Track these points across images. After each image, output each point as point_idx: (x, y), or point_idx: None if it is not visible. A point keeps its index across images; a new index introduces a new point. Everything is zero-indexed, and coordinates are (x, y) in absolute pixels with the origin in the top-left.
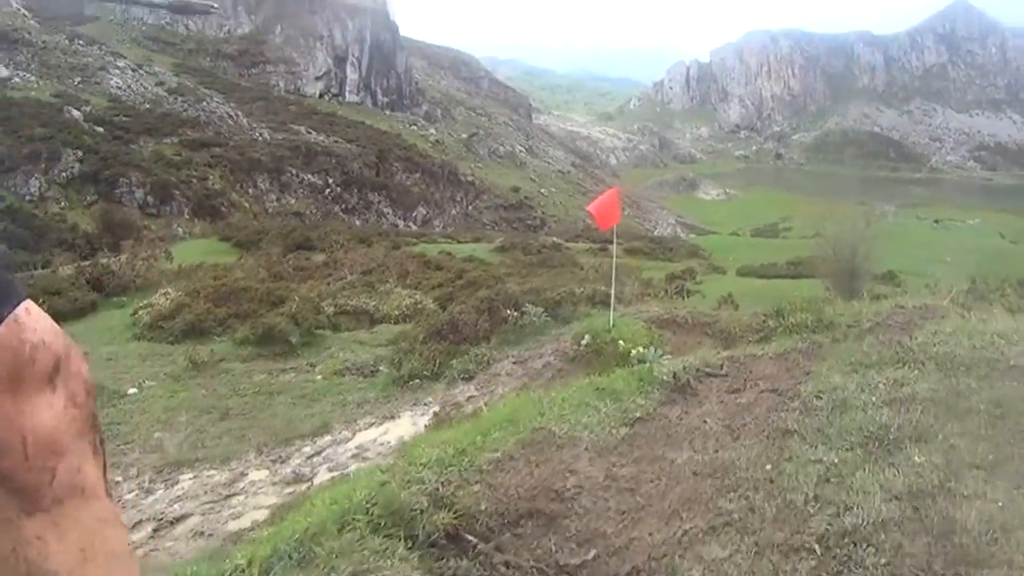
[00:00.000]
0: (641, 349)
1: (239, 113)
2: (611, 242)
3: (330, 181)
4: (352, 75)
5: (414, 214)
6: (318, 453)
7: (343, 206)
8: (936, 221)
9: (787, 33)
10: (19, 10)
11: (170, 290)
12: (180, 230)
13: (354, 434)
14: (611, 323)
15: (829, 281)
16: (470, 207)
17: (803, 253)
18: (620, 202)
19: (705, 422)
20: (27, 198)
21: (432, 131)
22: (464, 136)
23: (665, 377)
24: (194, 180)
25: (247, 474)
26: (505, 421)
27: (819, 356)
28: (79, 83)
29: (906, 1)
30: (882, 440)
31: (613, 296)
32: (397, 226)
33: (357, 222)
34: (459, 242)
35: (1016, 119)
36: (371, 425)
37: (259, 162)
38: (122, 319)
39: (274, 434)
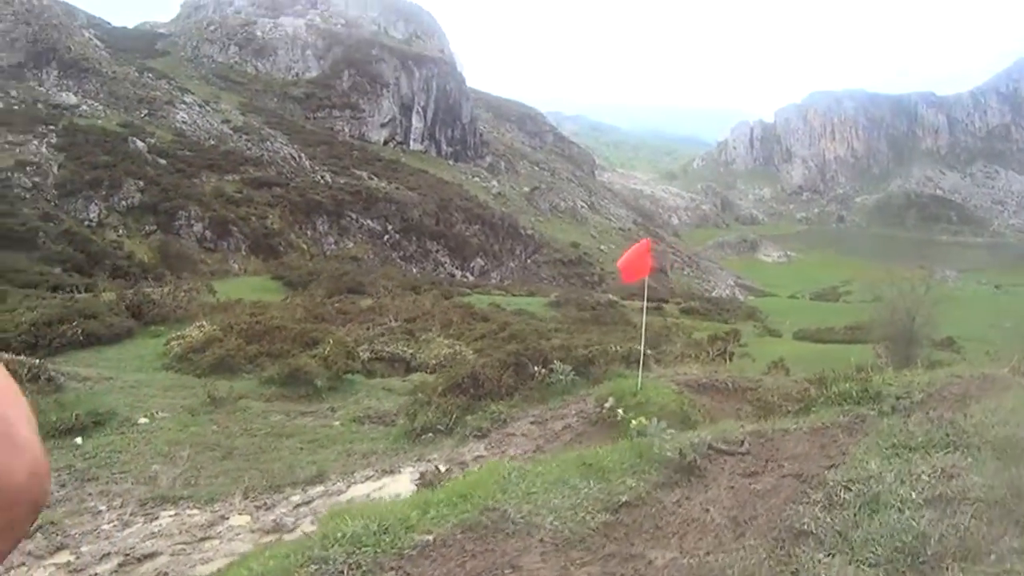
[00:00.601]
0: (643, 420)
1: (302, 155)
2: (666, 301)
3: (389, 227)
4: (417, 123)
5: (472, 264)
6: (307, 503)
7: (401, 253)
8: (997, 286)
9: (851, 94)
10: (91, 40)
11: (205, 323)
12: (236, 266)
13: (348, 486)
14: (639, 385)
15: (886, 346)
16: (528, 260)
17: (862, 317)
18: (651, 255)
19: (707, 511)
20: (85, 223)
21: (495, 183)
22: (526, 189)
23: (669, 454)
24: (253, 218)
25: (228, 518)
26: (457, 495)
27: (860, 432)
28: (145, 115)
29: (970, 61)
30: (917, 555)
31: (642, 356)
32: (454, 276)
33: (414, 270)
34: (513, 295)
35: None
36: (368, 479)
37: (319, 204)
38: (155, 348)
39: (271, 478)
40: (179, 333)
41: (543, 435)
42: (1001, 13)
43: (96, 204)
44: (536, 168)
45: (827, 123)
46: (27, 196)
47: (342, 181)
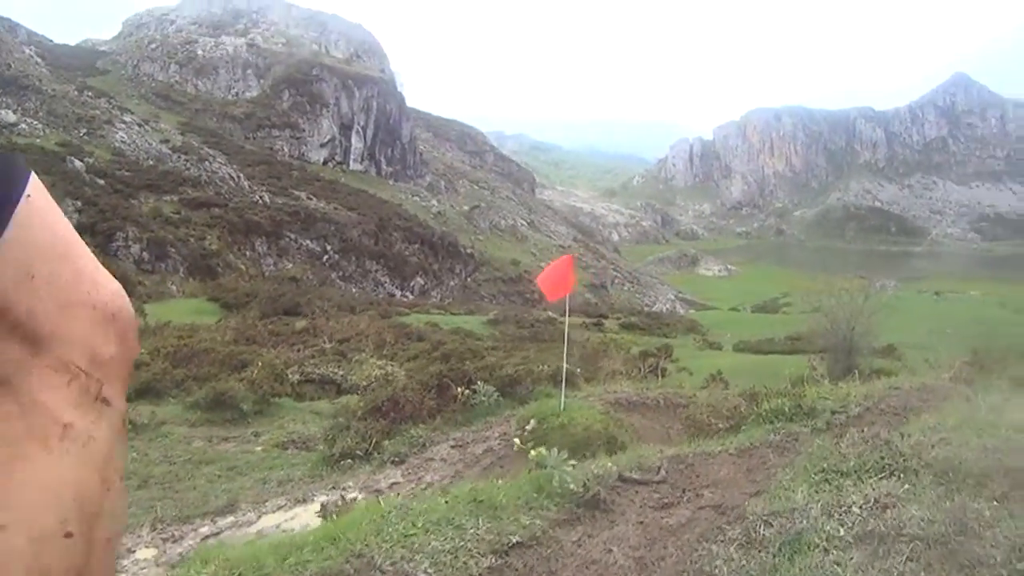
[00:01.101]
0: (542, 451)
1: (241, 175)
2: (606, 317)
3: (328, 248)
4: (357, 143)
5: (412, 284)
6: (215, 534)
7: (340, 273)
8: (937, 293)
9: (790, 111)
10: (32, 56)
11: None
12: (174, 288)
13: (259, 516)
14: (561, 406)
15: (825, 357)
16: (468, 279)
17: (803, 328)
18: (573, 271)
19: (610, 551)
20: None
21: (434, 202)
22: (466, 208)
23: (572, 487)
24: (192, 239)
25: (135, 551)
26: (327, 538)
27: (792, 452)
28: (84, 134)
29: (907, 76)
30: None
31: (564, 376)
32: (394, 295)
33: (354, 290)
34: (452, 314)
35: (1016, 189)
36: (280, 508)
37: (258, 225)
38: None
39: (183, 508)
40: None
41: (463, 459)
42: (943, 27)
43: None
44: (476, 187)
45: (765, 139)
46: None
47: (280, 201)
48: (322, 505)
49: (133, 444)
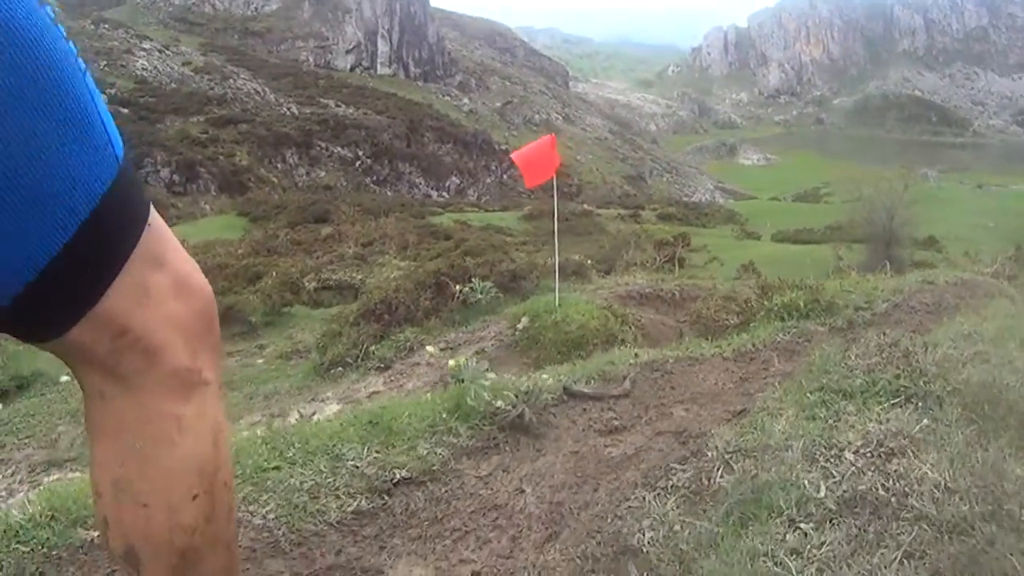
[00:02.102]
0: (460, 360)
1: (266, 89)
2: (642, 208)
3: (360, 153)
4: (383, 48)
5: (447, 184)
6: None
7: (374, 178)
8: (979, 186)
9: None
10: None
11: None
12: (207, 207)
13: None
14: (556, 302)
15: (865, 247)
16: (505, 176)
17: (843, 217)
18: (555, 152)
19: (522, 493)
20: None
21: (466, 101)
22: (498, 105)
23: (500, 404)
24: (221, 157)
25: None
26: None
27: (802, 356)
28: (104, 66)
29: None
30: None
31: (556, 269)
32: (430, 196)
33: (388, 193)
34: (487, 211)
35: None
36: (253, 425)
37: (287, 137)
38: None
39: None
40: None
41: None
42: None
43: None
44: (508, 83)
45: (801, 26)
46: None
47: (308, 111)
48: (268, 424)
49: None
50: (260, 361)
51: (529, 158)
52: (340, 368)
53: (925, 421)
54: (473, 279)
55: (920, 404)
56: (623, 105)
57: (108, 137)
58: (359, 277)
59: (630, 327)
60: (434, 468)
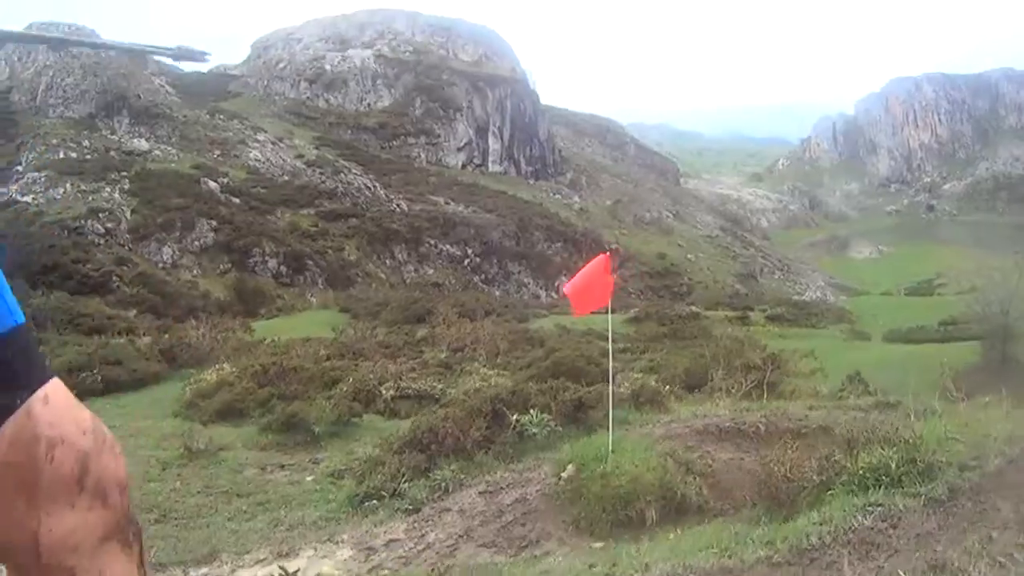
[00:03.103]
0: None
1: (377, 184)
2: (751, 309)
3: (469, 251)
4: (494, 145)
5: (556, 283)
6: None
7: (482, 276)
8: None
9: (929, 78)
10: (162, 87)
11: (226, 365)
12: (313, 299)
13: (233, 571)
14: (609, 447)
15: (982, 345)
16: (614, 275)
17: (958, 311)
18: (608, 275)
19: None
20: (159, 265)
21: (576, 199)
22: (609, 203)
23: None
24: (329, 251)
25: None
26: None
27: (885, 553)
28: (218, 156)
29: None
30: None
31: (611, 405)
32: (538, 296)
33: (496, 292)
34: (593, 313)
35: None
36: (259, 562)
37: (396, 233)
38: (175, 393)
39: (178, 551)
40: (196, 377)
41: (486, 511)
42: None
43: (170, 246)
44: (619, 181)
45: (908, 110)
46: (101, 242)
47: (418, 208)
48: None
49: (182, 472)
50: (310, 479)
51: (581, 285)
52: (375, 501)
53: None
54: (531, 409)
55: None
56: (734, 200)
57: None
58: (440, 387)
59: (695, 477)
60: None
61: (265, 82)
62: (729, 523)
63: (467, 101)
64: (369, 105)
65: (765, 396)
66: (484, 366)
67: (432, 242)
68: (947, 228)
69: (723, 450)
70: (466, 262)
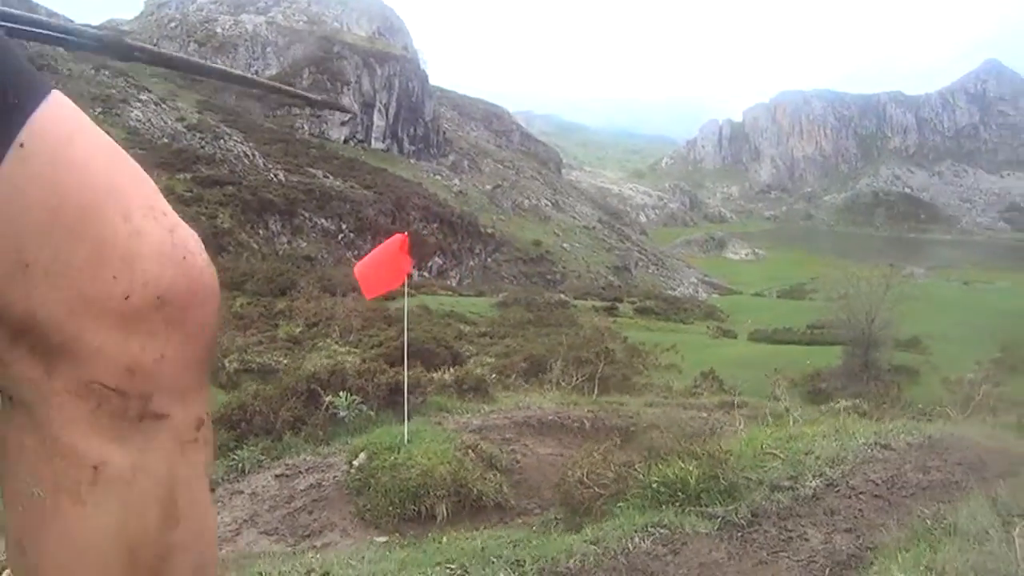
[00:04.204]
0: None
1: (256, 153)
2: (620, 301)
3: (343, 226)
4: (379, 121)
5: (429, 264)
6: None
7: (356, 252)
8: (965, 283)
9: (819, 94)
10: None
11: None
12: None
13: None
14: (406, 436)
15: (844, 350)
16: (489, 259)
17: (826, 315)
18: (405, 256)
19: None
20: None
21: (456, 182)
22: (489, 188)
23: None
24: (203, 217)
25: None
26: None
27: None
28: (99, 113)
29: (937, 59)
30: None
31: (406, 394)
32: (411, 275)
33: None
34: (461, 295)
35: None
36: None
37: (272, 203)
38: None
39: None
40: None
41: (276, 496)
42: (968, 7)
43: None
44: (501, 166)
45: (795, 122)
46: None
47: (296, 179)
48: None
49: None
50: None
51: (372, 266)
52: None
53: None
54: (341, 392)
55: None
56: (615, 195)
57: None
58: (285, 362)
59: (496, 473)
60: None
61: (155, 40)
62: (523, 527)
63: (355, 76)
64: (257, 72)
65: (596, 391)
66: (336, 343)
67: (307, 215)
68: (824, 237)
69: (543, 444)
70: (340, 237)
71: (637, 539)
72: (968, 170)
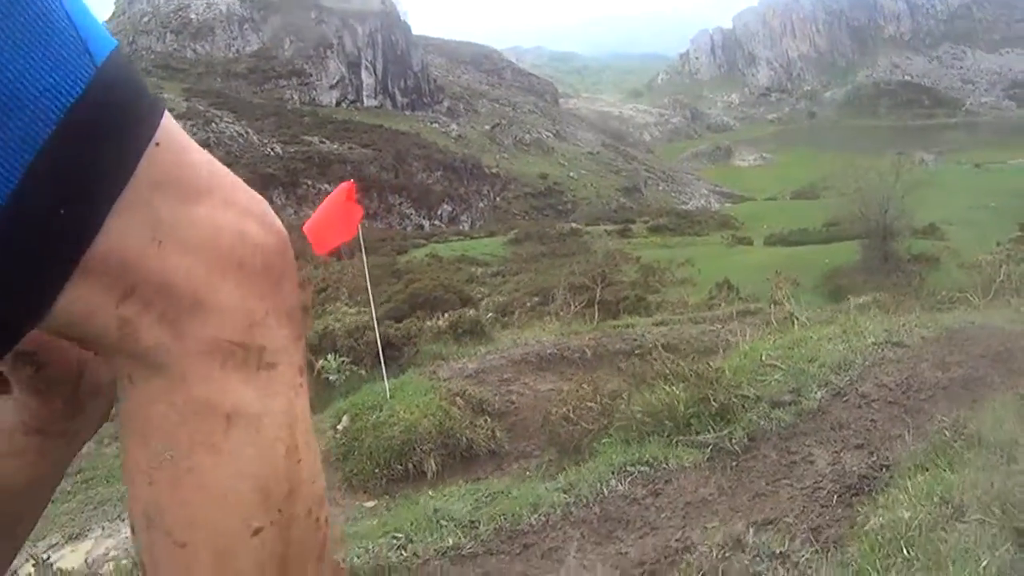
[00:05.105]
0: None
1: (250, 131)
2: (633, 222)
3: None
4: (368, 80)
5: (439, 212)
6: None
7: (364, 213)
8: (977, 165)
9: None
10: None
11: None
12: None
13: (26, 560)
14: (387, 392)
15: (861, 244)
16: (498, 199)
17: (841, 212)
18: (354, 204)
19: None
20: None
21: (454, 126)
22: (487, 128)
23: None
24: None
25: None
26: None
27: (629, 533)
28: None
29: None
30: None
31: (379, 343)
32: (422, 226)
33: (379, 226)
34: (473, 238)
35: None
36: (51, 547)
37: (273, 177)
38: None
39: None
40: None
41: None
42: None
43: None
44: (496, 105)
45: (786, 22)
46: None
47: (293, 150)
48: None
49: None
50: None
51: (321, 220)
52: None
53: None
54: (330, 354)
55: None
56: (615, 117)
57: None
58: None
59: (487, 419)
60: None
61: (131, 38)
62: (517, 473)
63: (337, 38)
64: (238, 51)
65: (597, 316)
66: (346, 304)
67: (309, 183)
68: (830, 134)
69: (543, 380)
70: None
71: (614, 482)
72: (966, 51)
